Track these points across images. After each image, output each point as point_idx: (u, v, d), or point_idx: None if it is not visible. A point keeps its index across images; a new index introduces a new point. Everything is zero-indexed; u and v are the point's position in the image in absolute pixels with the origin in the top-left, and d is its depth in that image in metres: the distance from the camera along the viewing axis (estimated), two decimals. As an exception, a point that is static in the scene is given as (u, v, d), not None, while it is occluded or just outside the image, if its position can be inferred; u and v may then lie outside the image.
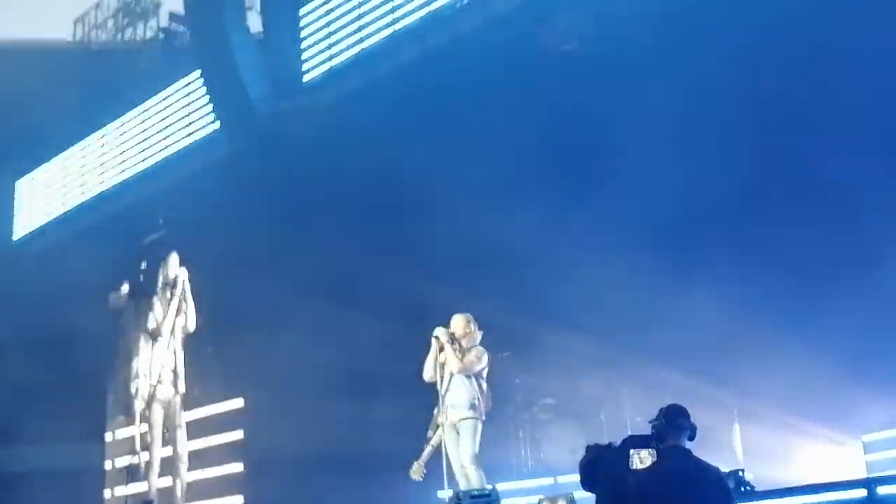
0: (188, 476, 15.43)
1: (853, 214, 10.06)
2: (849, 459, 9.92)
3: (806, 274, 10.24)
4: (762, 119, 10.74)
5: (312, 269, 13.30)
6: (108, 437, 16.83)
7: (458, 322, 9.71)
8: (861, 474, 8.75)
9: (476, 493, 8.01)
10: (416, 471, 9.43)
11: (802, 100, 10.52)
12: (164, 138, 16.73)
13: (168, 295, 16.14)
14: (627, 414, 11.02)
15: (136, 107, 17.21)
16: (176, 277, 16.06)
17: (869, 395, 9.46)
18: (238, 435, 15.04)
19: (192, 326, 15.82)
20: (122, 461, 13.89)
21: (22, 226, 19.38)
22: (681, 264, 10.96)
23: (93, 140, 18.01)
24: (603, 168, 11.61)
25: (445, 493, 8.85)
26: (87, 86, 17.11)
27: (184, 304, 15.91)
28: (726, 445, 10.28)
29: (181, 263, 16.06)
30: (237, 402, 15.29)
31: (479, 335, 9.69)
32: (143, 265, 16.90)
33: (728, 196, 10.94)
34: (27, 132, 17.51)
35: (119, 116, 17.48)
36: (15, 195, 19.61)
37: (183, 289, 15.89)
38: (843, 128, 10.10)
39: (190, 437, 15.57)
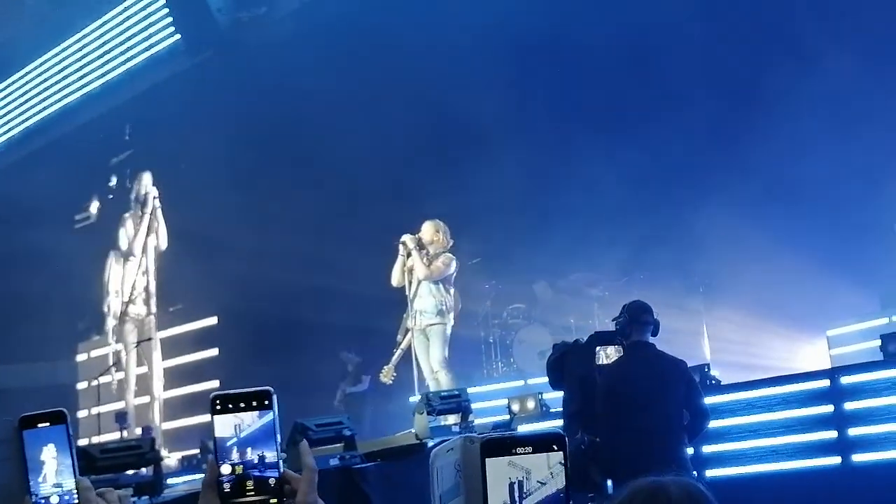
0: (164, 394, 15.48)
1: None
2: (814, 355, 10.08)
3: (768, 173, 10.28)
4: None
5: (277, 180, 13.17)
6: (82, 356, 16.79)
7: (427, 229, 9.69)
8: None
9: (446, 393, 8.06)
10: (387, 374, 9.51)
11: None
12: (125, 52, 16.33)
13: (139, 212, 16.03)
14: (597, 317, 11.09)
15: (94, 21, 16.75)
16: (147, 195, 15.91)
17: (833, 291, 9.56)
18: (213, 352, 14.96)
19: (163, 245, 15.73)
20: (96, 380, 13.84)
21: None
22: (649, 171, 11.00)
23: (51, 56, 17.55)
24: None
25: (416, 398, 8.92)
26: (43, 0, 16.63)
27: (155, 223, 15.81)
28: (694, 345, 10.40)
29: (151, 181, 15.90)
30: (211, 320, 15.19)
31: (448, 242, 9.67)
32: (113, 183, 16.69)
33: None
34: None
35: (78, 31, 17.02)
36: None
37: (154, 207, 15.78)
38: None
39: (165, 355, 15.60)
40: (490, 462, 1.31)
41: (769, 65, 10.66)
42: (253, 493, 1.46)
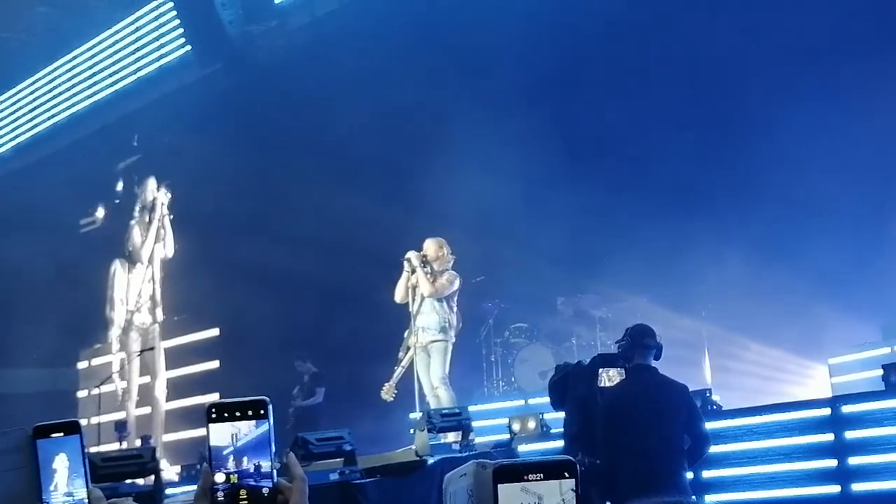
0: (167, 405, 15.35)
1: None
2: (816, 382, 10.08)
3: (772, 201, 10.31)
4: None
5: (285, 191, 13.19)
6: (83, 363, 16.72)
7: (431, 246, 9.69)
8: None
9: (446, 411, 8.07)
10: (388, 391, 9.49)
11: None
12: (136, 62, 16.40)
13: (146, 219, 15.92)
14: (599, 338, 11.09)
15: (106, 30, 16.84)
16: (154, 201, 15.80)
17: (835, 319, 9.56)
18: (214, 365, 14.85)
19: (170, 252, 15.62)
20: (97, 388, 13.77)
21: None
22: (652, 195, 11.05)
23: (62, 63, 17.63)
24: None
25: (417, 415, 8.92)
26: (56, 8, 16.69)
27: (162, 230, 15.68)
28: (696, 369, 10.39)
29: (159, 187, 15.81)
30: (213, 332, 15.09)
31: (451, 259, 9.68)
32: (119, 187, 16.62)
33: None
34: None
35: (89, 40, 17.11)
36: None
37: (161, 213, 15.67)
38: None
39: (167, 366, 15.49)
40: (502, 488, 1.32)
41: (774, 87, 10.70)
42: (246, 502, 1.46)
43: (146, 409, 15.48)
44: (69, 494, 1.66)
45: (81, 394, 15.87)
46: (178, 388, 15.13)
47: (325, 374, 12.40)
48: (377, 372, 9.83)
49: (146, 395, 15.53)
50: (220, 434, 1.47)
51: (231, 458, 1.46)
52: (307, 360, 12.39)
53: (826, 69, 10.15)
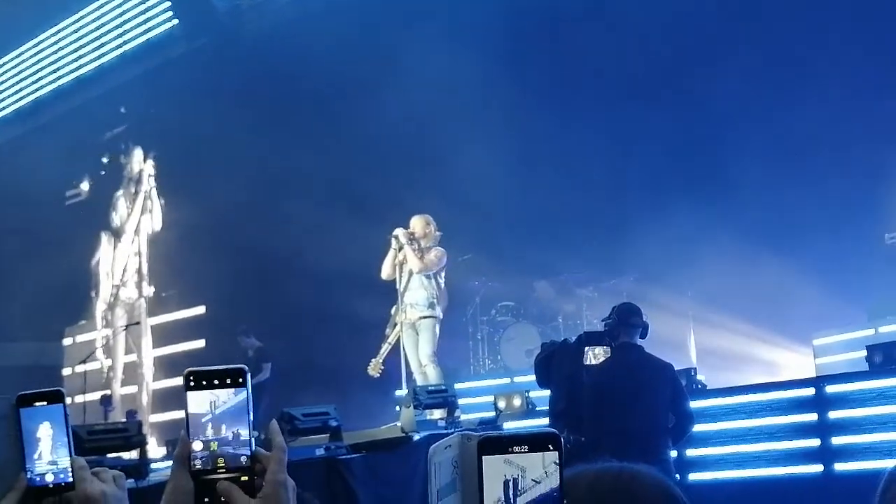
0: (153, 384, 15.20)
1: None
2: (800, 363, 10.14)
3: (758, 181, 10.33)
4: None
5: (272, 165, 13.13)
6: (68, 340, 16.58)
7: (418, 223, 9.68)
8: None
9: (433, 388, 8.09)
10: (374, 367, 9.50)
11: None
12: (122, 35, 16.22)
13: (132, 191, 15.68)
14: (585, 317, 11.12)
15: (92, 3, 16.67)
16: (140, 172, 15.56)
17: (821, 300, 9.61)
18: (199, 344, 14.72)
19: (157, 225, 15.39)
20: (82, 364, 13.66)
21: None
22: (641, 174, 11.05)
23: (47, 37, 17.46)
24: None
25: (403, 391, 8.94)
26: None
27: (149, 202, 15.44)
28: (681, 348, 10.43)
29: (146, 158, 15.57)
30: (199, 310, 14.98)
31: (438, 236, 9.68)
32: (105, 160, 16.38)
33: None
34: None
35: (74, 13, 16.94)
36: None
37: (148, 185, 15.43)
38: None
39: (154, 344, 15.32)
40: (486, 459, 1.32)
41: (767, 74, 10.71)
42: (224, 470, 1.45)
43: (132, 388, 15.38)
44: (53, 463, 1.66)
45: (66, 371, 15.73)
46: (163, 367, 15.02)
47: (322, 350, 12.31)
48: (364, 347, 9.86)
49: (132, 374, 15.40)
50: (199, 402, 1.45)
51: (209, 426, 1.45)
52: (250, 334, 12.15)
53: (812, 55, 10.16)
